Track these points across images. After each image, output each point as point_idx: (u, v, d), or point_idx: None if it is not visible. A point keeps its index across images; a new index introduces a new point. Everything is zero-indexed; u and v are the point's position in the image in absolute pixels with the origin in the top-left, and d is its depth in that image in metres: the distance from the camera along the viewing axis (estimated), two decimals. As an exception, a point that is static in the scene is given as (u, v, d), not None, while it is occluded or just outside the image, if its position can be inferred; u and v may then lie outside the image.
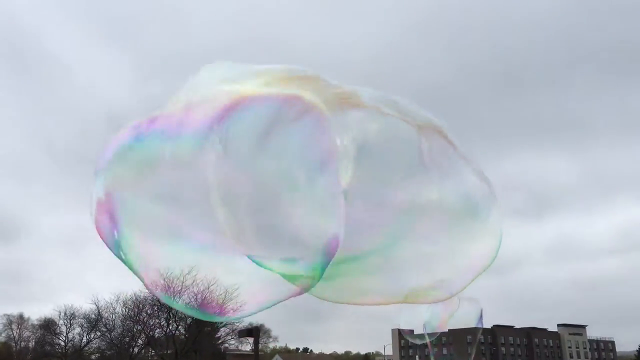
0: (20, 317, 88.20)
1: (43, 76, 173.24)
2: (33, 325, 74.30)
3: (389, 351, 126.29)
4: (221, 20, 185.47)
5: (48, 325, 62.01)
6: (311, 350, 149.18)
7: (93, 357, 60.64)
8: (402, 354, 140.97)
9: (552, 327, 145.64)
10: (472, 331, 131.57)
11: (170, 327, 48.14)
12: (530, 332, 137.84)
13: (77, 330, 58.39)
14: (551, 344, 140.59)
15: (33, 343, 69.71)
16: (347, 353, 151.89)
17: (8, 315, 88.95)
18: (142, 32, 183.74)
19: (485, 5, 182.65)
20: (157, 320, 49.06)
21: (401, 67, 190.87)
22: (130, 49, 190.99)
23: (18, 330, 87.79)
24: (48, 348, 61.94)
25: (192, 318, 47.96)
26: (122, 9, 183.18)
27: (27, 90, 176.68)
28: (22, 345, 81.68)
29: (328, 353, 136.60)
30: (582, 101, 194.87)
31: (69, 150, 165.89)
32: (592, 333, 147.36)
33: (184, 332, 48.62)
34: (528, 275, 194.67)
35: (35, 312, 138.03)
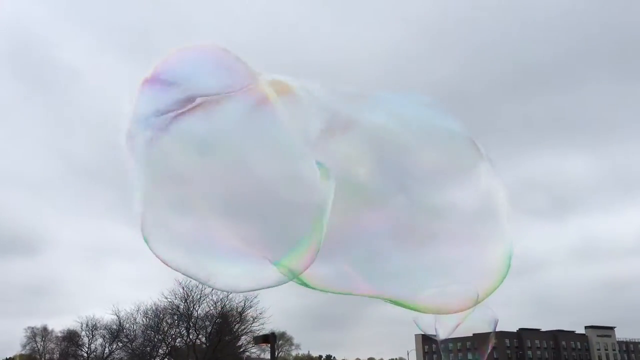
0: (44, 329, 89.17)
1: (61, 88, 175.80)
2: (57, 337, 75.01)
3: (412, 357, 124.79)
4: (232, 27, 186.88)
5: (71, 337, 62.25)
6: (334, 358, 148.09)
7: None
8: (426, 359, 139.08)
9: (580, 330, 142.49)
10: (498, 335, 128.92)
11: (191, 337, 47.87)
12: (557, 335, 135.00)
13: (99, 341, 58.56)
14: (579, 347, 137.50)
15: (57, 355, 70.09)
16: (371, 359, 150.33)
17: (32, 328, 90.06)
18: (155, 41, 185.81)
19: (500, 2, 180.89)
20: (177, 330, 48.88)
21: (414, 68, 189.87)
22: (143, 58, 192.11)
23: (42, 343, 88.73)
24: (72, 360, 62.20)
25: (213, 327, 47.71)
26: (134, 17, 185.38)
27: (45, 103, 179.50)
28: (46, 358, 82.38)
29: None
30: (602, 99, 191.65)
31: (88, 162, 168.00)
32: (621, 334, 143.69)
33: (204, 341, 48.30)
34: (553, 277, 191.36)
35: (59, 324, 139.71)
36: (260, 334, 39.17)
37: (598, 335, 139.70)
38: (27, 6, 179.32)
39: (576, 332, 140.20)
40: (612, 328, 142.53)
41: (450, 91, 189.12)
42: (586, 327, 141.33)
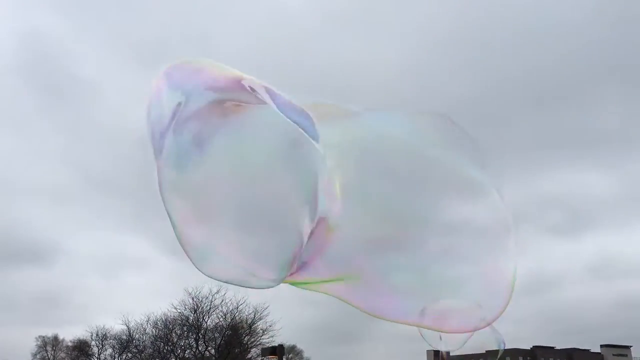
0: (55, 338, 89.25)
1: (76, 99, 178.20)
2: (67, 347, 74.94)
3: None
4: (249, 41, 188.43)
5: (81, 347, 62.25)
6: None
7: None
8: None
9: (595, 348, 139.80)
10: (511, 353, 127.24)
11: (200, 348, 47.57)
12: (572, 353, 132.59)
13: (109, 351, 58.44)
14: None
15: (67, 365, 70.12)
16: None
17: (43, 337, 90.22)
18: (172, 55, 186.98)
19: (514, 20, 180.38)
20: (186, 341, 48.64)
21: (428, 84, 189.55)
22: (159, 71, 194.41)
23: (53, 352, 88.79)
24: (82, 370, 62.12)
25: (222, 338, 47.37)
26: (153, 31, 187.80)
27: (64, 116, 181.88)
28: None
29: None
30: (618, 115, 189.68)
31: (104, 174, 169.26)
32: (638, 353, 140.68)
33: (214, 353, 47.96)
34: (568, 295, 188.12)
35: (70, 334, 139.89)
36: (269, 346, 38.88)
37: (614, 354, 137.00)
38: (47, 19, 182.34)
39: (591, 351, 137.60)
40: (628, 347, 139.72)
41: (465, 108, 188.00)
42: (602, 346, 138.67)
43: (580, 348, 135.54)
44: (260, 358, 51.62)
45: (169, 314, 48.99)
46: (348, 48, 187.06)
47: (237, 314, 46.75)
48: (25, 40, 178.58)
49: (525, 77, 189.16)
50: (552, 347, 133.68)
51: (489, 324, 4.09)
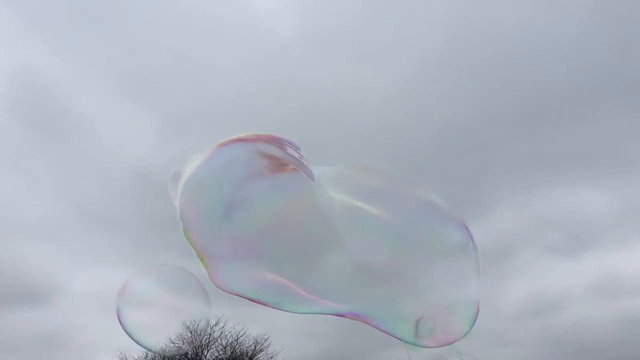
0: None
1: (70, 135, 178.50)
2: (64, 388, 73.19)
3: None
4: (243, 71, 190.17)
5: (78, 388, 60.62)
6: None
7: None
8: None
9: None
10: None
11: (199, 385, 46.33)
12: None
13: (106, 390, 56.96)
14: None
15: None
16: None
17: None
18: (165, 86, 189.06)
19: (506, 38, 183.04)
20: (185, 378, 47.37)
21: (420, 106, 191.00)
22: (154, 103, 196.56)
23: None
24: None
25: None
26: (144, 63, 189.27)
27: (58, 151, 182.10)
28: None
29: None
30: (617, 133, 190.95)
31: (101, 210, 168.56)
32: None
33: (214, 388, 46.71)
34: (571, 315, 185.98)
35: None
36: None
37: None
38: (36, 56, 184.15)
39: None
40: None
41: (458, 130, 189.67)
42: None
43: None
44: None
45: (166, 349, 47.88)
46: (339, 73, 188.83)
47: (237, 346, 45.70)
48: (16, 78, 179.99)
49: (519, 96, 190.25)
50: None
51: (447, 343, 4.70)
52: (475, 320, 4.66)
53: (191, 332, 42.46)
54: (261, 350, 45.22)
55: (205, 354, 45.76)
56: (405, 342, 4.93)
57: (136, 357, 57.19)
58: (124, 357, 50.67)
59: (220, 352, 45.73)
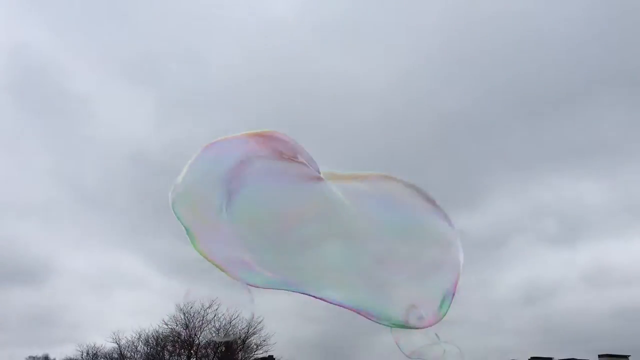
0: (46, 358, 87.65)
1: (67, 115, 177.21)
2: (57, 367, 73.42)
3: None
4: (241, 56, 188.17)
5: (71, 367, 60.85)
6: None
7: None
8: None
9: (593, 358, 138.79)
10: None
11: (192, 365, 46.57)
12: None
13: (100, 370, 57.16)
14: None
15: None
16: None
17: (34, 358, 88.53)
18: (163, 70, 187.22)
19: (505, 29, 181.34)
20: (178, 359, 47.57)
21: (420, 96, 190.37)
22: (152, 86, 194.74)
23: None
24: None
25: (215, 355, 46.36)
26: (142, 45, 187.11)
27: (53, 132, 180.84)
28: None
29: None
30: (614, 124, 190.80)
31: (95, 191, 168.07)
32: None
33: (206, 370, 46.95)
34: (565, 304, 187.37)
35: (60, 354, 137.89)
36: (260, 357, 37.90)
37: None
38: (35, 35, 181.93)
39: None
40: (626, 357, 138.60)
41: (457, 120, 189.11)
42: (600, 356, 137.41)
43: (578, 358, 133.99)
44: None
45: (160, 331, 47.99)
46: (339, 59, 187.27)
47: (230, 328, 45.83)
48: (13, 56, 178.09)
49: (517, 86, 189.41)
50: (551, 358, 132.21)
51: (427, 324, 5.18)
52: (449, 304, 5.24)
53: (184, 314, 41.88)
54: (254, 333, 45.39)
55: (198, 336, 46.00)
56: (393, 326, 5.34)
57: (129, 338, 57.50)
58: (117, 337, 51.00)
59: (214, 335, 45.95)
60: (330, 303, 5.06)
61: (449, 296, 5.14)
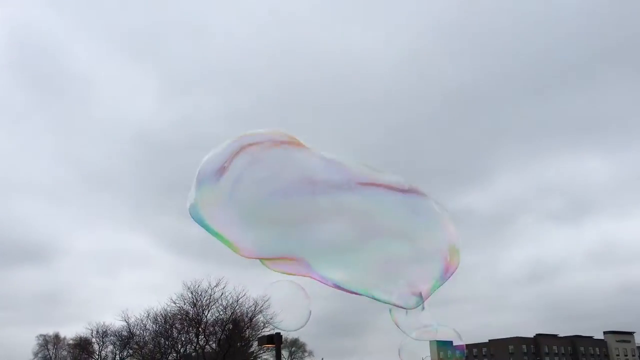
0: (56, 336, 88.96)
1: (70, 94, 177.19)
2: (69, 345, 74.50)
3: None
4: (244, 30, 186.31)
5: (83, 344, 61.78)
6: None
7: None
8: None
9: (598, 335, 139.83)
10: (514, 341, 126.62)
11: (201, 343, 47.07)
12: (575, 341, 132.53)
13: (110, 348, 57.99)
14: (597, 352, 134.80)
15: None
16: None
17: (44, 336, 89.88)
18: (166, 47, 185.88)
19: (513, 4, 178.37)
20: (187, 336, 48.09)
21: (428, 72, 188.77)
22: (154, 63, 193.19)
23: (54, 350, 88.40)
24: (85, 368, 61.60)
25: (223, 332, 46.87)
26: (143, 22, 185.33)
27: (57, 110, 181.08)
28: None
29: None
30: (621, 100, 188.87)
31: (99, 169, 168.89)
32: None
33: (215, 348, 47.43)
34: (570, 282, 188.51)
35: (70, 332, 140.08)
36: (266, 334, 38.15)
37: (617, 341, 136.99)
38: (37, 14, 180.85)
39: (594, 338, 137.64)
40: (631, 333, 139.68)
41: (465, 94, 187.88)
42: (605, 333, 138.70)
43: (584, 335, 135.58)
44: (262, 351, 51.24)
45: (168, 309, 48.46)
46: (348, 36, 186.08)
47: (237, 307, 46.22)
48: (14, 35, 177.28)
49: (525, 62, 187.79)
50: (555, 335, 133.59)
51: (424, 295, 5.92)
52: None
53: (192, 293, 42.32)
54: (261, 312, 45.73)
55: (206, 314, 46.43)
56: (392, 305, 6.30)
57: (138, 317, 58.25)
58: (126, 315, 51.65)
59: (221, 313, 46.40)
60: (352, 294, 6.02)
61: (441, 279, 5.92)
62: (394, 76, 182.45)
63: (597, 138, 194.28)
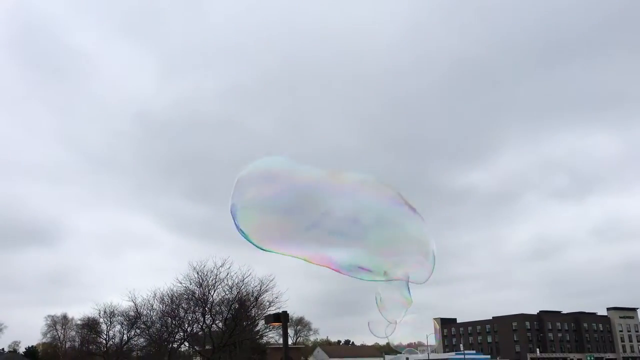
0: (64, 317, 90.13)
1: (71, 75, 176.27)
2: (77, 325, 75.54)
3: (431, 341, 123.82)
4: (244, 9, 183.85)
5: (91, 325, 62.48)
6: (353, 343, 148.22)
7: (134, 354, 60.83)
8: (446, 343, 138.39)
9: (602, 311, 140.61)
10: (517, 318, 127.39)
11: (207, 322, 47.51)
12: (579, 317, 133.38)
13: (118, 327, 58.68)
14: (601, 329, 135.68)
15: (78, 342, 70.55)
16: (389, 344, 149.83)
17: (52, 316, 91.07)
18: (165, 25, 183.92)
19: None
20: (193, 316, 48.55)
21: (430, 46, 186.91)
22: (153, 41, 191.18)
23: (63, 331, 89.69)
24: (93, 347, 62.36)
25: (229, 312, 47.28)
26: (142, 1, 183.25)
27: (58, 91, 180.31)
28: (67, 346, 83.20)
29: (370, 345, 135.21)
30: (626, 76, 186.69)
31: (101, 150, 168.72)
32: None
33: (221, 327, 47.90)
34: (574, 258, 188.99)
35: (78, 312, 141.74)
36: (272, 313, 38.40)
37: (620, 317, 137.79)
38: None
39: (598, 314, 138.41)
40: (634, 309, 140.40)
41: (469, 68, 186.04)
42: (608, 309, 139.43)
43: (587, 312, 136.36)
44: (268, 330, 51.79)
45: (174, 289, 48.80)
46: (352, 8, 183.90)
47: (242, 286, 46.51)
48: (15, 14, 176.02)
49: (530, 36, 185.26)
50: (559, 312, 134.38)
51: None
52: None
53: (198, 273, 42.46)
54: (266, 291, 46.09)
55: (212, 294, 46.79)
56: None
57: (145, 297, 58.77)
58: (133, 296, 52.15)
59: (227, 292, 46.75)
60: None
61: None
62: (396, 50, 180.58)
63: (603, 113, 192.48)
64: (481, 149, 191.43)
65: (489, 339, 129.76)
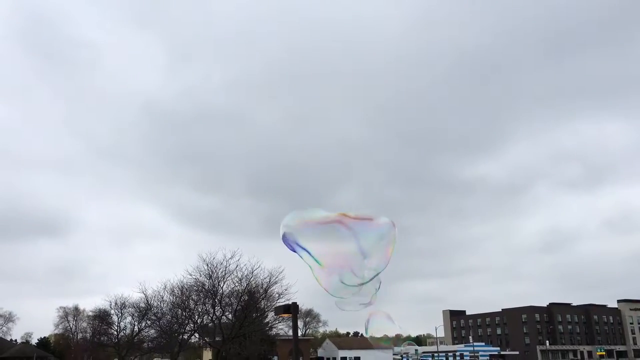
0: (76, 308, 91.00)
1: (79, 66, 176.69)
2: (88, 316, 76.24)
3: (440, 332, 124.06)
4: (252, 0, 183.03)
5: (102, 316, 63.04)
6: (361, 334, 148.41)
7: (145, 345, 61.37)
8: (455, 335, 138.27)
9: (612, 303, 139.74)
10: (527, 310, 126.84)
11: (217, 313, 47.76)
12: (589, 309, 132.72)
13: (129, 319, 59.16)
14: (611, 321, 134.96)
15: (90, 333, 71.23)
16: (398, 336, 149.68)
17: (64, 308, 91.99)
18: (171, 13, 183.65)
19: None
20: (203, 307, 48.83)
21: (440, 35, 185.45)
22: (162, 33, 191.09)
23: (74, 322, 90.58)
24: (104, 338, 62.94)
25: (239, 303, 47.51)
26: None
27: (64, 81, 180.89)
28: (78, 337, 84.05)
29: (378, 337, 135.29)
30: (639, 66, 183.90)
31: (108, 141, 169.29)
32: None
33: (231, 318, 48.18)
34: (585, 250, 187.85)
35: (90, 304, 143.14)
36: (282, 304, 38.51)
37: (631, 309, 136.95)
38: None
39: (608, 306, 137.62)
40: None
41: (478, 57, 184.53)
42: (619, 301, 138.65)
43: (598, 304, 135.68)
44: (277, 321, 51.94)
45: (184, 281, 49.06)
46: (359, 1, 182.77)
47: (252, 278, 46.69)
48: (22, 4, 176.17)
49: (540, 22, 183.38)
50: (569, 304, 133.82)
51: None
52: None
53: (207, 265, 42.68)
54: (275, 283, 46.27)
55: (221, 285, 47.01)
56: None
57: (155, 289, 59.23)
58: (143, 287, 52.61)
59: (236, 284, 46.96)
60: None
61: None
62: (405, 40, 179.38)
63: (615, 101, 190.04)
64: (490, 139, 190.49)
65: (499, 331, 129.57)
